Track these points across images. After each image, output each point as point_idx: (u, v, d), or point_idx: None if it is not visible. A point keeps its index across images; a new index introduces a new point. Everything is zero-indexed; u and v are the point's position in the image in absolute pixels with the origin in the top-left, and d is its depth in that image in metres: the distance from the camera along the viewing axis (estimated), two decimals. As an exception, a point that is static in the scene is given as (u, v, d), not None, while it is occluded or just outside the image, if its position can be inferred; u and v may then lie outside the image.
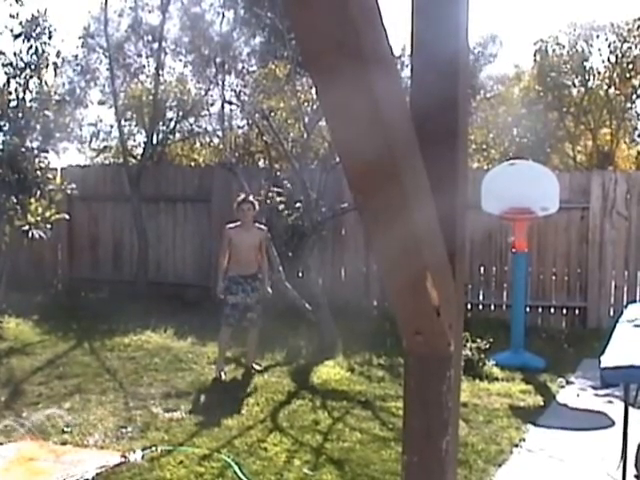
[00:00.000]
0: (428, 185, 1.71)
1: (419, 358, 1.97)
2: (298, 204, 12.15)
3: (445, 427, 1.97)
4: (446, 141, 1.92)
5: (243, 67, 21.39)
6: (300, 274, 12.28)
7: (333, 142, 1.77)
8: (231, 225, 9.94)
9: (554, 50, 21.47)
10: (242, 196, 10.11)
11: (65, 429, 7.57)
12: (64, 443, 7.24)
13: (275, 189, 12.55)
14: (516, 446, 7.39)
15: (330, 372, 10.09)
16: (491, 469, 6.73)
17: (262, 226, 10.20)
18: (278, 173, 13.30)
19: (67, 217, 14.91)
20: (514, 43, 40.94)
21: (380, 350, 10.97)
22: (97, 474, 6.42)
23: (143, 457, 6.82)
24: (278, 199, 12.50)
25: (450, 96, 1.92)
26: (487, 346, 10.26)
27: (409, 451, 2.06)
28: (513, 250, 11.38)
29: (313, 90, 13.12)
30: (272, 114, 14.07)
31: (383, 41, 1.47)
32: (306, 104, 13.45)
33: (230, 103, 16.96)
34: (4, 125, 14.30)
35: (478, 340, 10.14)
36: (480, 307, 14.00)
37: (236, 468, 6.55)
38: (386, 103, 1.46)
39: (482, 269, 14.11)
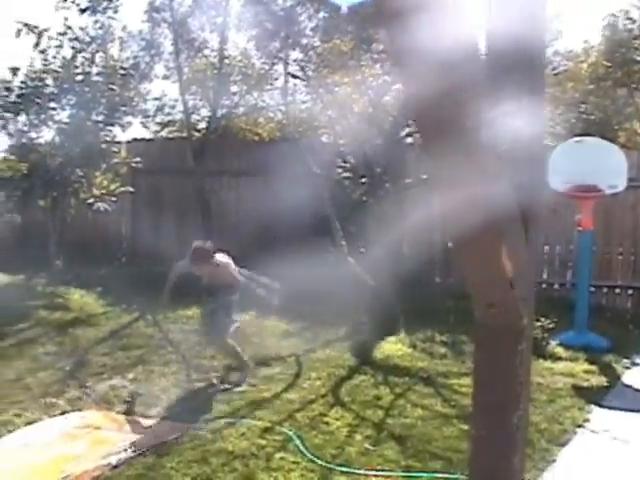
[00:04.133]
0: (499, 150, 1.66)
1: (491, 331, 1.92)
2: (363, 179, 12.08)
3: (517, 402, 1.92)
4: (525, 87, 1.87)
5: (307, 42, 21.29)
6: (363, 249, 12.23)
7: (404, 92, 1.73)
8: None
9: (624, 25, 20.98)
10: (196, 244, 9.13)
11: (128, 399, 7.66)
12: (127, 413, 7.33)
13: (340, 164, 12.48)
14: (579, 426, 7.29)
15: (392, 348, 10.06)
16: (554, 449, 6.65)
17: (223, 257, 9.54)
18: (342, 148, 13.20)
19: (131, 190, 15.10)
20: (583, 18, 40.11)
21: (443, 327, 10.91)
22: (159, 444, 6.48)
23: (206, 429, 6.87)
24: (343, 174, 12.44)
25: (527, 45, 1.86)
26: (551, 325, 10.13)
27: (478, 425, 2.02)
28: (579, 228, 11.21)
29: (377, 65, 13.02)
30: (336, 88, 13.99)
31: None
32: (371, 79, 13.33)
33: (294, 77, 16.91)
34: (70, 99, 14.49)
35: (542, 319, 10.01)
36: (544, 286, 13.80)
37: (297, 441, 6.56)
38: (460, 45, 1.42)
39: (546, 247, 13.91)
